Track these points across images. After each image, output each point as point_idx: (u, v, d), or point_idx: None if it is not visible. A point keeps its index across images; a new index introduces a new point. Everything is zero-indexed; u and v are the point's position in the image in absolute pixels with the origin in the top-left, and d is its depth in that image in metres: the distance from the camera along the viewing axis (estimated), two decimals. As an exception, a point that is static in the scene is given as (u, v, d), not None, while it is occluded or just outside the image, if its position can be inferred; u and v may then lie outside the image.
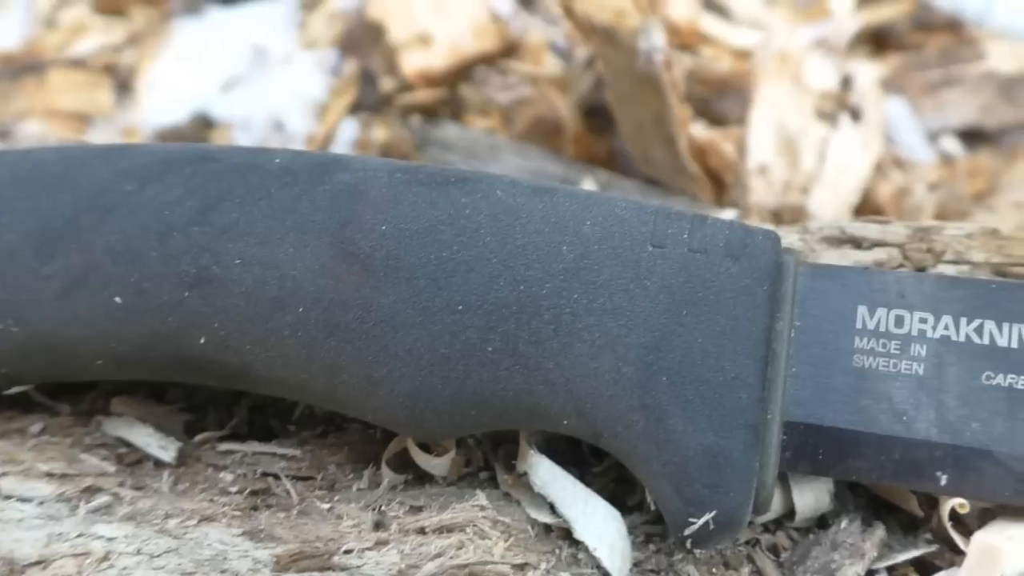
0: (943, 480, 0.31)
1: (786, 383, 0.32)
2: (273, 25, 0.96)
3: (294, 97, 0.86)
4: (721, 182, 0.74)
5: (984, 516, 0.33)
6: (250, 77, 0.90)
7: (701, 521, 0.31)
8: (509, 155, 0.78)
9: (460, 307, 0.32)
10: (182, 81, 0.92)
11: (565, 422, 0.33)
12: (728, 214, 0.71)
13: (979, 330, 0.32)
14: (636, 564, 0.33)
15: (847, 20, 0.86)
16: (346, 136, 0.82)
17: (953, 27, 0.89)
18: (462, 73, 0.85)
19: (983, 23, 0.92)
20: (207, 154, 0.36)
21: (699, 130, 0.77)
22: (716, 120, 0.82)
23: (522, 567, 0.33)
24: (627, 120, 0.72)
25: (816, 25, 0.88)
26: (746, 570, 0.33)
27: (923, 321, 0.32)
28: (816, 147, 0.76)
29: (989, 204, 0.75)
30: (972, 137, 0.82)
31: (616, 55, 0.66)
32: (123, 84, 0.93)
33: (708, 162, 0.73)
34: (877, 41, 0.89)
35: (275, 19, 0.97)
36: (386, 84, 0.85)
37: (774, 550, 0.34)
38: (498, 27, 0.88)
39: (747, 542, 0.34)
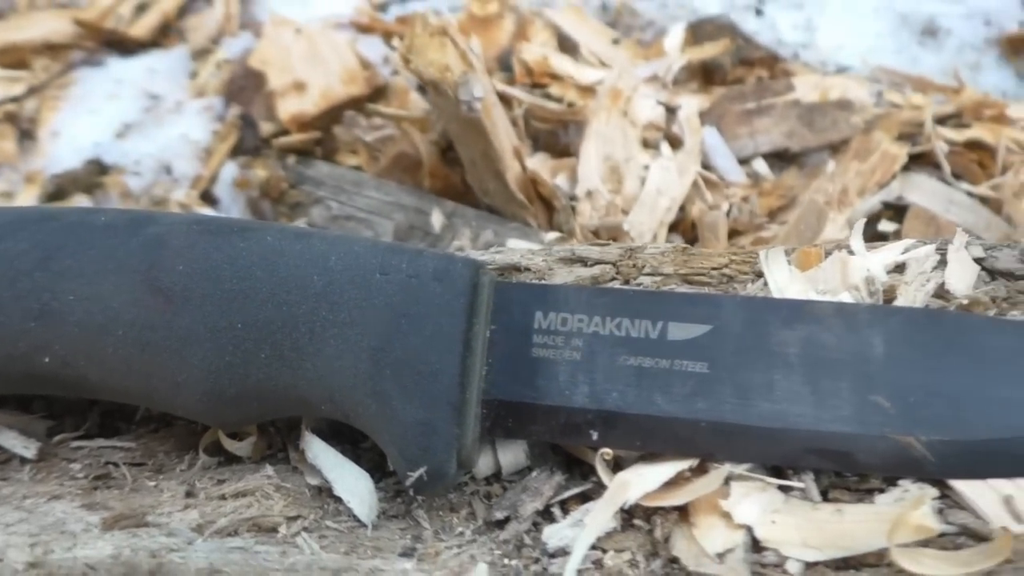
0: (594, 436, 0.44)
1: (483, 371, 0.44)
2: (167, 75, 1.08)
3: (182, 142, 0.97)
4: (553, 207, 0.86)
5: (640, 461, 0.45)
6: (143, 124, 1.01)
7: (416, 474, 0.43)
8: (370, 189, 0.91)
9: (239, 325, 0.44)
10: (82, 129, 1.02)
11: (323, 408, 0.45)
12: (551, 235, 0.84)
13: (619, 326, 0.45)
14: (383, 512, 0.45)
15: (676, 58, 1.00)
16: (227, 177, 0.93)
17: (771, 63, 1.03)
18: (332, 116, 0.97)
19: (799, 58, 1.07)
20: (49, 214, 0.47)
21: (535, 162, 0.90)
22: (562, 152, 0.95)
23: (295, 518, 0.44)
24: (465, 157, 0.85)
25: (653, 63, 1.02)
26: (464, 512, 0.45)
27: (580, 321, 0.45)
28: (639, 173, 0.89)
29: (785, 218, 0.89)
30: (781, 159, 0.96)
31: (445, 103, 0.79)
32: (26, 133, 1.03)
33: (541, 191, 0.86)
34: (705, 76, 1.03)
35: (169, 69, 1.09)
36: (265, 128, 0.97)
37: (488, 497, 0.46)
38: (368, 73, 1.00)
39: (472, 492, 0.46)
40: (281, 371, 0.44)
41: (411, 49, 0.80)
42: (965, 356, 0.42)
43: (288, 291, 0.44)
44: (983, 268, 0.49)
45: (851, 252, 0.50)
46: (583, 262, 0.54)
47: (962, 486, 0.41)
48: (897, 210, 0.87)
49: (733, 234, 0.86)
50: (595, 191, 0.87)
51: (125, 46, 1.09)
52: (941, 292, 0.48)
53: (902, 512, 0.38)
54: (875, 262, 0.49)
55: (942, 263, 0.49)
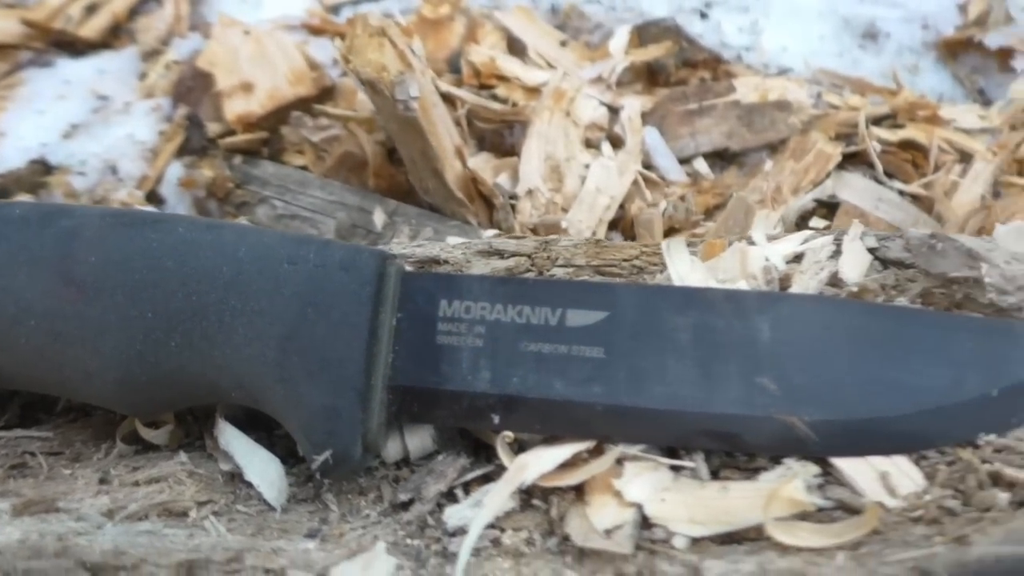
0: (496, 419, 0.45)
1: (389, 358, 0.46)
2: (116, 76, 1.08)
3: (129, 143, 0.98)
4: (493, 205, 0.88)
5: (541, 444, 0.47)
6: (90, 124, 1.02)
7: (322, 458, 0.44)
8: (315, 189, 0.92)
9: (150, 315, 0.45)
10: (28, 129, 1.03)
11: (234, 394, 0.46)
12: (490, 233, 0.85)
13: (520, 313, 0.46)
14: (293, 496, 0.47)
15: (620, 60, 1.02)
16: (173, 177, 0.94)
17: (713, 64, 1.06)
18: (279, 117, 0.98)
19: (742, 60, 1.10)
20: (-36, 209, 0.48)
21: (478, 161, 0.92)
22: (508, 151, 0.97)
23: (206, 503, 0.46)
24: (405, 156, 0.86)
25: (598, 64, 1.04)
26: (372, 495, 0.47)
27: (483, 308, 0.47)
28: (580, 172, 0.91)
29: (719, 216, 0.91)
30: (721, 159, 0.98)
31: (383, 103, 0.80)
32: (-27, 134, 1.03)
33: (481, 189, 0.88)
34: (650, 78, 1.05)
35: (119, 70, 1.09)
36: (212, 129, 0.98)
37: (396, 480, 0.47)
38: (315, 74, 1.02)
39: (381, 477, 0.48)
40: (191, 359, 0.46)
41: (351, 49, 0.82)
42: (847, 339, 0.44)
43: (198, 281, 0.46)
44: (876, 257, 0.51)
45: (751, 243, 0.52)
46: (500, 254, 0.56)
47: (842, 463, 0.43)
48: (830, 207, 0.90)
49: (670, 231, 0.88)
50: (535, 189, 0.89)
51: (75, 47, 1.10)
52: (835, 280, 0.50)
53: (776, 488, 0.40)
54: (774, 252, 0.51)
55: (838, 253, 0.51)
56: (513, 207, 0.88)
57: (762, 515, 0.40)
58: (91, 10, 1.11)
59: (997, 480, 0.41)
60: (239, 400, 0.47)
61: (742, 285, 0.49)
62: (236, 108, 0.97)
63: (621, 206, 0.91)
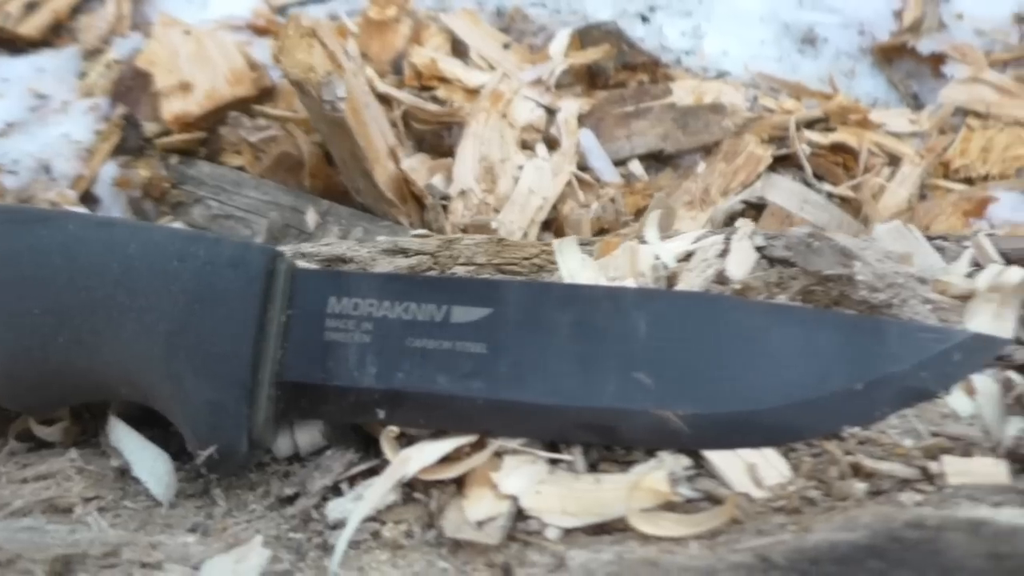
0: (381, 414, 0.46)
1: (278, 355, 0.47)
2: (56, 74, 1.08)
3: (64, 142, 0.98)
4: (425, 206, 0.89)
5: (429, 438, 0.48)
6: (27, 123, 1.01)
7: (206, 452, 0.45)
8: (249, 189, 0.92)
9: (37, 311, 0.46)
10: (-35, 128, 1.02)
11: (123, 391, 0.47)
12: (420, 231, 0.86)
13: (406, 310, 0.47)
14: (182, 492, 0.47)
15: (559, 63, 1.04)
16: (108, 177, 0.94)
17: (652, 68, 1.07)
18: (217, 117, 0.98)
19: (682, 63, 1.12)
20: None
21: (413, 162, 0.93)
22: (446, 152, 0.98)
23: (92, 499, 0.46)
24: (336, 156, 0.87)
25: (539, 67, 1.05)
26: (261, 490, 0.47)
27: (371, 305, 0.47)
28: (514, 174, 0.93)
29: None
30: (657, 161, 1.00)
31: (311, 103, 0.81)
32: (-92, 133, 1.03)
33: (413, 190, 0.89)
34: (590, 80, 1.07)
35: (59, 68, 1.09)
36: (150, 129, 0.98)
37: (287, 476, 0.48)
38: (255, 75, 1.02)
39: (272, 472, 0.48)
40: (79, 355, 0.46)
41: (281, 50, 0.82)
42: (720, 335, 0.46)
43: (87, 277, 0.46)
44: (763, 256, 0.52)
45: (643, 242, 0.53)
46: (404, 253, 0.57)
47: (713, 456, 0.44)
48: (758, 209, 0.91)
49: (600, 232, 0.89)
50: (468, 190, 0.90)
51: (13, 44, 1.10)
52: (721, 278, 0.51)
53: (637, 479, 0.41)
54: (665, 250, 0.52)
55: (727, 251, 0.52)
56: (445, 208, 0.89)
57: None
58: (31, 7, 1.11)
59: (857, 471, 0.42)
60: (128, 396, 0.47)
61: (630, 283, 0.50)
62: (174, 108, 0.97)
63: (555, 207, 0.93)
